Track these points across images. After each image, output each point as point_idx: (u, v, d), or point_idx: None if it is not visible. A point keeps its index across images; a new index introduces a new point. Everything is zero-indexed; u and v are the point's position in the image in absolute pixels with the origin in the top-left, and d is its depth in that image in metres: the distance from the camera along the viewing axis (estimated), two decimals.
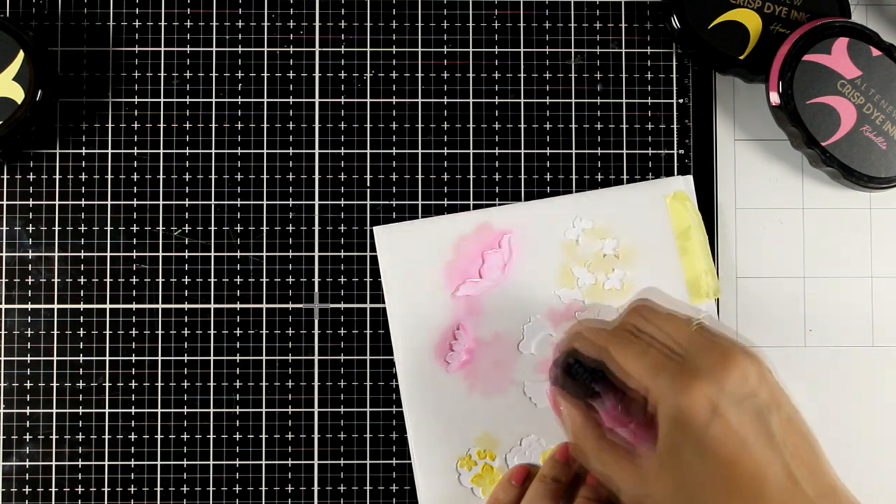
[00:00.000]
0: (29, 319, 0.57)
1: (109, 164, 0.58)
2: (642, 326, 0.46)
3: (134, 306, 0.58)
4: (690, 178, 0.58)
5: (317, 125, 0.59)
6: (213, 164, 0.58)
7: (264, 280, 0.58)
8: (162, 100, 0.58)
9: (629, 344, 0.46)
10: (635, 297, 0.50)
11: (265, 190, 0.58)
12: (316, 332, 0.58)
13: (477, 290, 0.57)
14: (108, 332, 0.58)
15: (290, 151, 0.59)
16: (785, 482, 0.41)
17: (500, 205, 0.58)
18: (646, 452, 0.46)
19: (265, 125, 0.59)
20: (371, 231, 0.58)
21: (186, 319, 0.58)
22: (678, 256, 0.57)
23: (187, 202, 0.58)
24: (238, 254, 0.58)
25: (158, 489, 0.57)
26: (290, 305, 0.58)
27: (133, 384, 0.57)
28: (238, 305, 0.58)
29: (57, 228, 0.58)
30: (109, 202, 0.58)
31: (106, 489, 0.57)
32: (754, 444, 0.42)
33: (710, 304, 0.57)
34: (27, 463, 0.57)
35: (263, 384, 0.58)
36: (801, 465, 0.42)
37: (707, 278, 0.57)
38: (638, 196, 0.58)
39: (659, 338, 0.45)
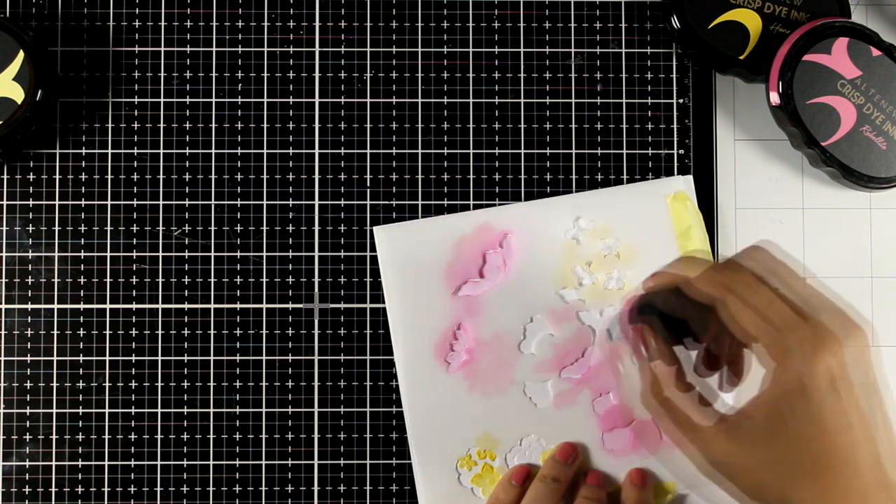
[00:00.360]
0: (29, 319, 0.57)
1: (109, 164, 0.58)
2: (762, 274, 0.43)
3: (134, 306, 0.58)
4: (690, 177, 0.58)
5: (317, 125, 0.59)
6: (213, 164, 0.58)
7: (264, 280, 0.58)
8: (162, 100, 0.58)
9: (753, 291, 0.43)
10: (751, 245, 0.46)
11: (265, 190, 0.58)
12: (316, 332, 0.58)
13: (477, 290, 0.57)
14: (108, 332, 0.58)
15: (290, 151, 0.59)
16: (874, 465, 0.41)
17: (500, 205, 0.58)
18: (733, 410, 0.43)
19: (265, 125, 0.59)
20: (371, 231, 0.58)
21: (186, 319, 0.58)
22: (678, 256, 0.57)
23: (187, 202, 0.58)
24: (238, 254, 0.58)
25: (158, 489, 0.57)
26: (290, 305, 0.58)
27: (133, 384, 0.57)
28: (238, 305, 0.58)
29: (57, 228, 0.58)
30: (109, 202, 0.58)
31: (106, 489, 0.57)
32: (858, 425, 0.41)
33: None
34: (27, 463, 0.57)
35: (263, 384, 0.58)
36: (890, 452, 0.42)
37: None
38: (638, 196, 0.58)
39: (782, 289, 0.43)
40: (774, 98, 0.56)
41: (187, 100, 0.58)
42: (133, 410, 0.57)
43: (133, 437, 0.57)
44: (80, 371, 0.57)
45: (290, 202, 0.58)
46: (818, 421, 0.41)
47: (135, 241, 0.58)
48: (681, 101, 0.59)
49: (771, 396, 0.42)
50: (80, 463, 0.57)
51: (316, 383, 0.58)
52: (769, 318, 0.42)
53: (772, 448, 0.42)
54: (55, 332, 0.57)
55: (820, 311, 0.43)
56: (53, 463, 0.57)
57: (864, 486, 0.41)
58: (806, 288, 0.44)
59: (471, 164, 0.59)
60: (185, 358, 0.58)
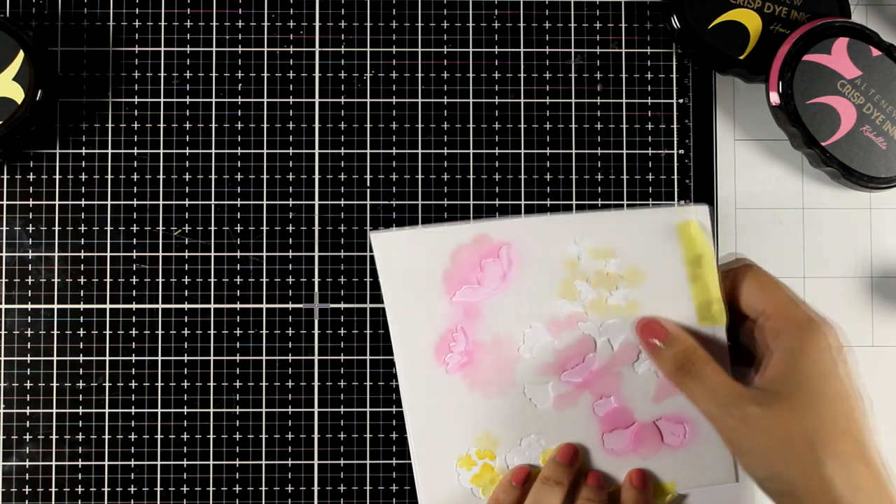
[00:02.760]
0: (29, 319, 0.57)
1: (109, 164, 0.58)
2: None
3: (134, 306, 0.58)
4: (706, 207, 0.53)
5: (317, 125, 0.59)
6: (213, 164, 0.58)
7: (264, 280, 0.58)
8: (162, 100, 0.58)
9: (766, 275, 0.49)
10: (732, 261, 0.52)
11: (265, 190, 0.58)
12: (316, 332, 0.58)
13: (476, 297, 0.57)
14: (108, 332, 0.58)
15: (290, 151, 0.59)
16: (865, 433, 0.46)
17: (499, 217, 0.58)
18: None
19: (265, 125, 0.59)
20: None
21: (186, 319, 0.58)
22: (687, 281, 0.54)
23: (187, 202, 0.58)
24: (238, 254, 0.58)
25: (158, 489, 0.57)
26: (290, 305, 0.58)
27: (133, 384, 0.57)
28: (238, 305, 0.58)
29: (57, 228, 0.58)
30: (109, 202, 0.58)
31: (106, 489, 0.57)
32: (853, 397, 0.46)
33: (719, 329, 0.55)
34: (27, 463, 0.57)
35: (263, 384, 0.58)
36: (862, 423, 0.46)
37: (716, 306, 0.54)
38: (646, 222, 0.55)
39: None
40: (774, 98, 0.55)
41: (187, 100, 0.58)
42: (133, 410, 0.57)
43: (133, 437, 0.57)
44: (80, 371, 0.57)
45: (290, 202, 0.58)
46: (826, 397, 0.45)
47: (135, 241, 0.58)
48: (681, 101, 0.59)
49: (798, 362, 0.46)
50: (80, 463, 0.57)
51: (316, 383, 0.58)
52: (785, 296, 0.47)
53: (802, 409, 0.45)
54: (55, 332, 0.57)
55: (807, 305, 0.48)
56: (53, 463, 0.57)
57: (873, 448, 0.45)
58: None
59: (471, 164, 0.59)
60: (185, 358, 0.58)
